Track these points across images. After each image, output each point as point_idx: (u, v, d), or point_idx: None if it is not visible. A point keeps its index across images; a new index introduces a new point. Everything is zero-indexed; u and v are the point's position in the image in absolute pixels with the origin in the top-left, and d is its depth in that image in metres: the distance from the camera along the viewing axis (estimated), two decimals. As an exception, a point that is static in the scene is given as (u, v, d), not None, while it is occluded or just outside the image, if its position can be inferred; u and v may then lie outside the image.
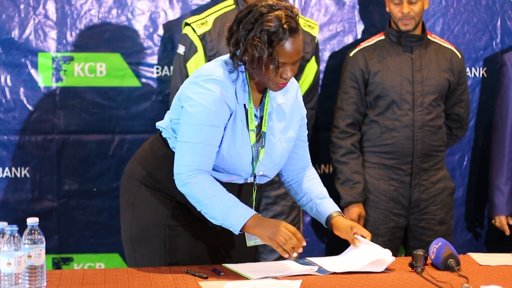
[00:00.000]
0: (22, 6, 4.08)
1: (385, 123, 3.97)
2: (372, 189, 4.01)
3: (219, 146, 2.68)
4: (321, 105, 4.26)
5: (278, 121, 2.78)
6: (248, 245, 2.76)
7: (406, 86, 3.95)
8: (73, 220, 4.18)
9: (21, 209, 4.12)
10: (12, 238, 2.27)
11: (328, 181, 4.23)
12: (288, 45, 2.60)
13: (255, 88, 2.74)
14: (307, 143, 2.95)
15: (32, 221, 2.33)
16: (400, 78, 3.96)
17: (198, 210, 2.68)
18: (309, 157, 2.97)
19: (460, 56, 4.09)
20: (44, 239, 2.34)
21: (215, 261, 2.79)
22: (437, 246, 2.73)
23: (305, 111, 2.91)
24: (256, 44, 2.59)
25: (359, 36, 4.34)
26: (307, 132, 2.93)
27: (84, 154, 4.17)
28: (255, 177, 2.78)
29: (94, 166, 4.18)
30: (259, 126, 2.74)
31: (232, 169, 2.73)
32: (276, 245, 2.61)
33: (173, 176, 2.69)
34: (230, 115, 2.68)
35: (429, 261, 2.75)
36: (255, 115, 2.74)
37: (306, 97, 4.04)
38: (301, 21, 3.94)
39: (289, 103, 2.82)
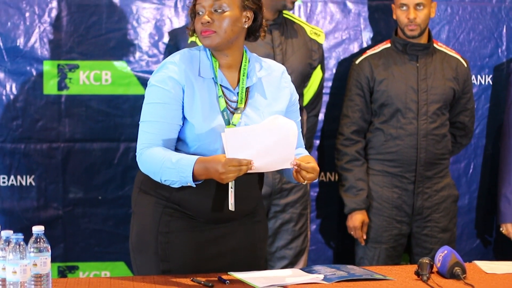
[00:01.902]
0: (27, 14, 4.08)
1: (390, 131, 3.98)
2: (376, 196, 4.02)
3: (186, 123, 2.70)
4: (327, 113, 4.26)
5: (261, 95, 2.79)
6: (230, 208, 2.68)
7: (411, 94, 3.96)
8: (79, 228, 4.18)
9: (26, 218, 4.11)
10: (18, 247, 2.27)
11: (333, 188, 4.24)
12: None
13: (228, 67, 2.77)
14: (299, 130, 2.90)
15: (38, 229, 2.32)
16: (405, 86, 3.96)
17: (160, 181, 2.68)
18: (302, 142, 2.93)
19: (466, 65, 4.09)
20: (49, 247, 2.34)
21: (218, 270, 2.77)
22: (443, 254, 2.72)
23: (297, 96, 2.91)
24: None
25: (364, 44, 4.34)
26: (300, 118, 2.91)
27: (90, 162, 4.16)
28: None
29: (99, 174, 4.18)
30: (236, 102, 2.75)
31: (207, 143, 2.70)
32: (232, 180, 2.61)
33: None
34: (183, 90, 2.70)
35: (435, 269, 2.74)
36: (232, 92, 2.75)
37: (311, 104, 4.04)
38: (308, 29, 3.96)
39: (273, 81, 2.83)
